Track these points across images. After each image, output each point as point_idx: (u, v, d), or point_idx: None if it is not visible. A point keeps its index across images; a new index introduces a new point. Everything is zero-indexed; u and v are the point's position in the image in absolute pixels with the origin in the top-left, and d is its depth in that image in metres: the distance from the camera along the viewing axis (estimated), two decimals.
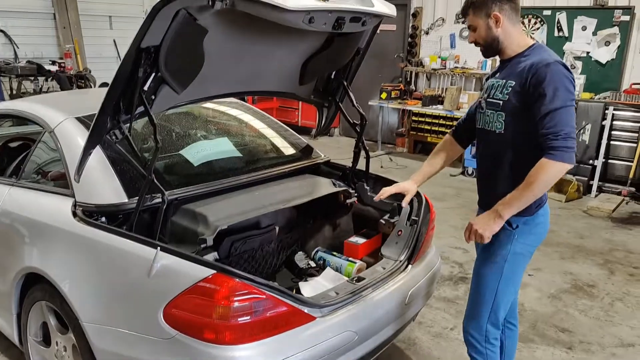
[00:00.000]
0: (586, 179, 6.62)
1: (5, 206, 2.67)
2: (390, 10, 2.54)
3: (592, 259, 4.67)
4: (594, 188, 6.58)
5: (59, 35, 8.48)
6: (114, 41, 9.01)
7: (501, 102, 2.19)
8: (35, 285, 2.49)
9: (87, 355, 2.22)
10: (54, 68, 7.72)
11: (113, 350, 2.12)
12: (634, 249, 4.91)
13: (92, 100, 3.32)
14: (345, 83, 3.06)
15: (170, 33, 2.05)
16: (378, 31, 2.90)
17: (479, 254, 2.39)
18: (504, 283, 2.28)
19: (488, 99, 2.28)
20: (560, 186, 6.55)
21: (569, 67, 2.11)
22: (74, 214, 2.34)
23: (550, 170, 2.01)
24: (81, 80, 7.74)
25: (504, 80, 2.21)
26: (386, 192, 2.63)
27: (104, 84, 7.98)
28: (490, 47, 2.25)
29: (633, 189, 6.45)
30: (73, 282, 2.25)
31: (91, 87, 7.83)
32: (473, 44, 2.29)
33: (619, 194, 6.49)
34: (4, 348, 3.09)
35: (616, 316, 3.69)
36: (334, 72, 3.06)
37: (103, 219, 2.32)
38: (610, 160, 6.65)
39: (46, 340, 2.61)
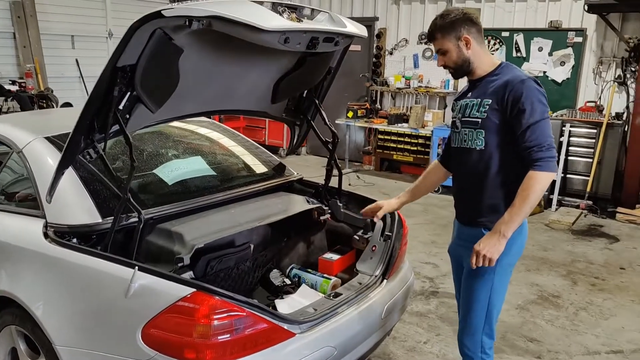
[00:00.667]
0: (547, 193, 6.83)
1: None
2: (361, 31, 2.61)
3: (556, 270, 4.82)
4: (554, 202, 6.80)
5: (19, 55, 8.28)
6: (77, 61, 8.86)
7: (480, 120, 2.26)
8: (3, 310, 2.41)
9: None
10: (14, 88, 7.53)
11: None
12: (594, 260, 5.09)
13: (60, 120, 3.28)
14: (317, 102, 3.12)
15: (146, 52, 2.06)
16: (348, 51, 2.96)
17: (467, 269, 2.39)
18: (494, 294, 2.33)
19: (463, 118, 2.34)
20: None
21: (539, 83, 2.23)
22: (46, 235, 2.29)
23: (542, 180, 2.11)
24: (43, 100, 7.56)
25: (479, 99, 2.28)
26: (367, 209, 2.76)
27: (66, 104, 7.83)
28: (461, 69, 2.33)
29: (590, 202, 6.70)
30: (46, 305, 2.19)
31: (53, 107, 7.65)
32: (442, 67, 2.36)
33: (578, 207, 6.73)
34: None
35: (581, 325, 3.82)
36: (305, 91, 3.11)
37: (75, 240, 2.28)
38: (568, 175, 6.91)
39: None
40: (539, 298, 4.23)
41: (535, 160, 2.12)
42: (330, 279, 2.83)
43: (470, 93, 2.36)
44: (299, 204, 3.03)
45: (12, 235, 2.44)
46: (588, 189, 6.69)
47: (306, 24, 2.29)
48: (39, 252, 2.27)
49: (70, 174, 2.34)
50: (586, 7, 6.71)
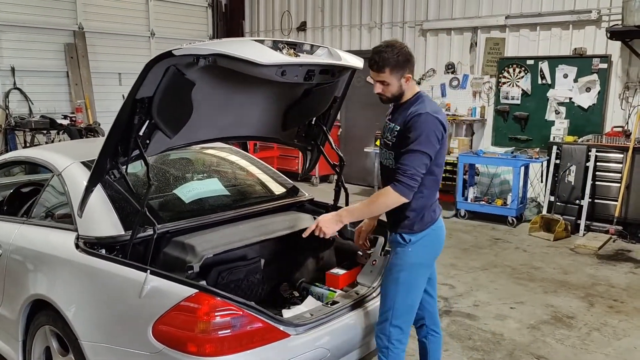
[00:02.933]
0: (574, 218, 6.83)
1: (16, 241, 2.96)
2: (358, 62, 2.88)
3: (575, 292, 4.84)
4: (582, 227, 6.77)
5: (71, 92, 9.02)
6: (123, 96, 9.43)
7: (391, 143, 2.59)
8: (40, 312, 2.74)
9: None
10: (65, 122, 8.20)
11: None
12: (615, 283, 5.08)
13: (96, 147, 3.66)
14: (325, 128, 3.39)
15: (161, 86, 2.39)
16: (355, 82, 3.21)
17: (386, 267, 2.72)
18: (402, 290, 2.59)
19: (383, 139, 2.68)
20: (548, 225, 6.78)
21: (441, 120, 2.48)
22: (77, 246, 2.62)
23: (390, 198, 2.46)
24: (90, 132, 8.18)
25: (394, 125, 2.60)
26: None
27: None
28: (394, 99, 2.61)
29: (620, 227, 6.64)
30: (75, 305, 2.51)
31: None
32: (377, 94, 2.58)
33: (607, 232, 6.68)
34: None
35: (592, 344, 3.85)
36: (314, 119, 3.38)
37: (103, 250, 2.60)
38: (596, 200, 6.88)
39: None
40: (552, 318, 4.28)
41: (395, 180, 2.44)
42: (335, 292, 3.04)
43: (391, 116, 2.67)
44: (306, 221, 3.27)
45: (49, 246, 2.79)
46: (616, 214, 6.64)
47: (302, 59, 2.58)
48: (70, 261, 2.61)
49: (99, 192, 2.68)
50: (608, 35, 6.81)
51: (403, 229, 2.59)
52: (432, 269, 2.77)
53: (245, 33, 11.47)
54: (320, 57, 2.73)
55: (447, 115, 8.62)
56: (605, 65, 7.21)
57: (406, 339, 2.68)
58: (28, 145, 7.92)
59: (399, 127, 2.54)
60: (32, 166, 3.88)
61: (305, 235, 2.68)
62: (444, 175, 8.23)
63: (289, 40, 2.63)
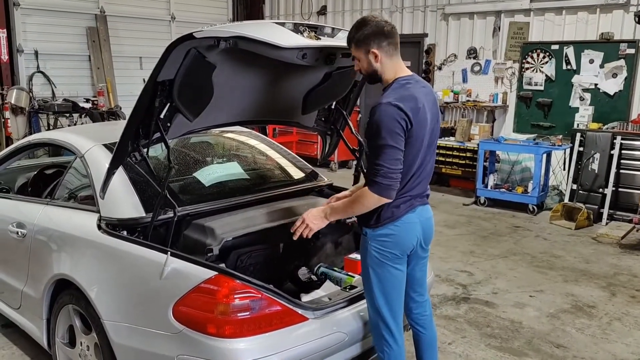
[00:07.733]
0: (596, 207, 6.72)
1: (40, 222, 3.01)
2: None
3: (596, 282, 4.78)
4: (605, 216, 6.66)
5: (93, 75, 9.12)
6: (144, 80, 9.51)
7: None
8: (63, 291, 2.80)
9: (107, 351, 2.51)
10: (87, 105, 8.31)
11: (129, 345, 2.41)
12: (638, 273, 4.99)
13: (118, 130, 3.70)
14: (345, 113, 3.37)
15: (182, 69, 2.39)
16: None
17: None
18: (377, 286, 2.45)
19: None
20: (570, 214, 6.68)
21: (403, 108, 2.25)
22: (99, 227, 2.66)
23: (368, 200, 2.32)
24: (112, 116, 8.27)
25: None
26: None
27: None
28: (372, 77, 2.47)
29: None
30: (97, 285, 2.55)
31: None
32: (359, 71, 2.50)
33: (631, 221, 6.55)
34: (34, 354, 3.40)
35: (612, 334, 3.81)
36: (334, 103, 3.37)
37: (124, 232, 2.63)
38: (620, 189, 6.75)
39: (72, 342, 2.90)
40: (572, 307, 4.23)
41: (370, 180, 2.30)
42: (354, 277, 3.04)
43: None
44: None
45: (73, 227, 2.83)
46: None
47: (323, 42, 2.56)
48: (92, 241, 2.65)
49: (120, 174, 2.71)
50: (637, 19, 6.63)
51: (363, 222, 2.47)
52: (404, 266, 2.50)
53: (265, 17, 11.43)
54: (341, 40, 2.70)
55: (468, 101, 8.52)
56: (632, 51, 7.02)
57: (399, 335, 2.52)
58: (51, 127, 8.05)
59: (367, 119, 2.37)
60: (55, 148, 3.93)
61: (295, 237, 2.57)
62: (464, 162, 8.28)
63: (310, 23, 2.61)
